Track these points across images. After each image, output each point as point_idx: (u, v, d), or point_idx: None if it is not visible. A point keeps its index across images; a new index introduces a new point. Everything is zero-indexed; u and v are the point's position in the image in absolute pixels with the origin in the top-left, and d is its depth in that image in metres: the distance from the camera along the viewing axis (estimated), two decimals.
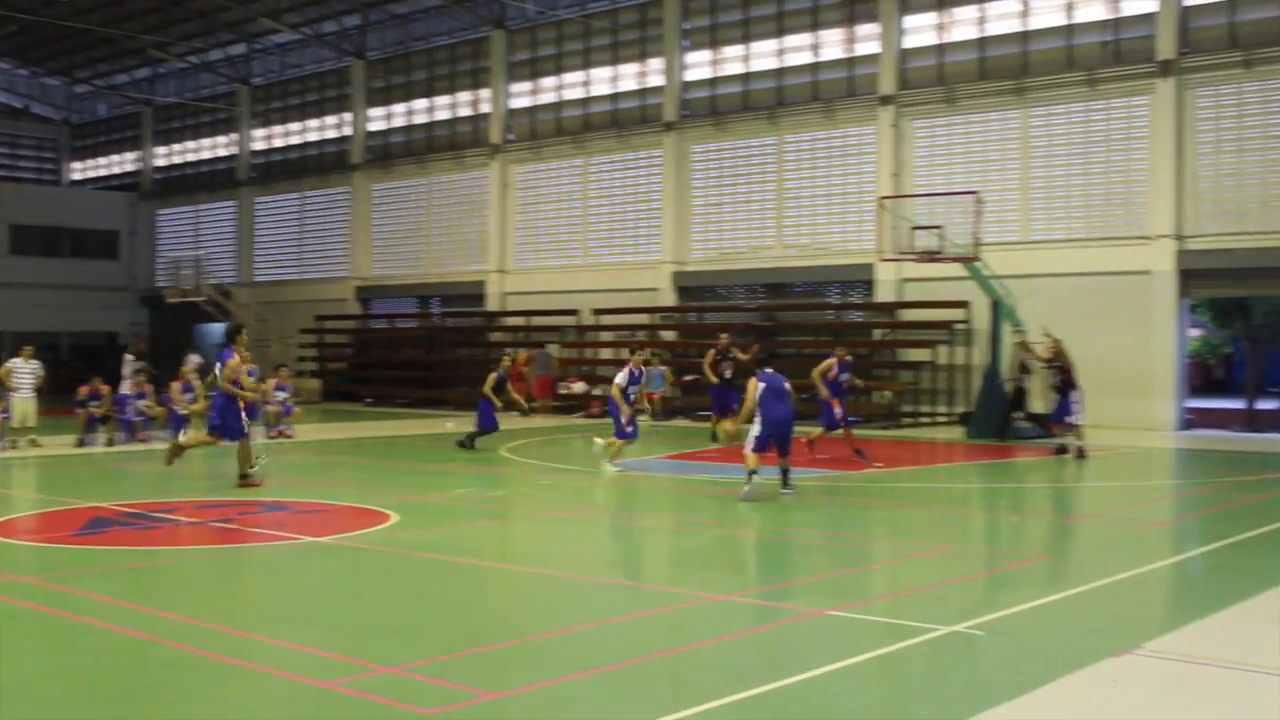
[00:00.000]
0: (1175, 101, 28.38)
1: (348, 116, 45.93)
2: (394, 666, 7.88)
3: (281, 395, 26.13)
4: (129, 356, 27.55)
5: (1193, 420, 29.73)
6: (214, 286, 45.76)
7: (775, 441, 16.24)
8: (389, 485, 18.07)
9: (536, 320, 38.74)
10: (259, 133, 49.96)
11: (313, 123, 47.87)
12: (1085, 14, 30.09)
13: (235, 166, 50.51)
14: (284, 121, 48.98)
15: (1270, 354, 38.41)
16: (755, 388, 16.30)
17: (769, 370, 16.57)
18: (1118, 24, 29.61)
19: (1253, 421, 30.79)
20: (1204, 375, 45.06)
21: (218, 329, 50.11)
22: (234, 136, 50.74)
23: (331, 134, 47.07)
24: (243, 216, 50.07)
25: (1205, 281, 29.13)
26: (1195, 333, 37.99)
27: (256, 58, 49.54)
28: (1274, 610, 9.78)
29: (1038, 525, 15.51)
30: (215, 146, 52.27)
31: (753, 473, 16.07)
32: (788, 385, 16.45)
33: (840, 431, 21.25)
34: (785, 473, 16.47)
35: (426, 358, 41.66)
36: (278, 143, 49.29)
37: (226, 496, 16.32)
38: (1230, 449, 25.07)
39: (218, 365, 17.43)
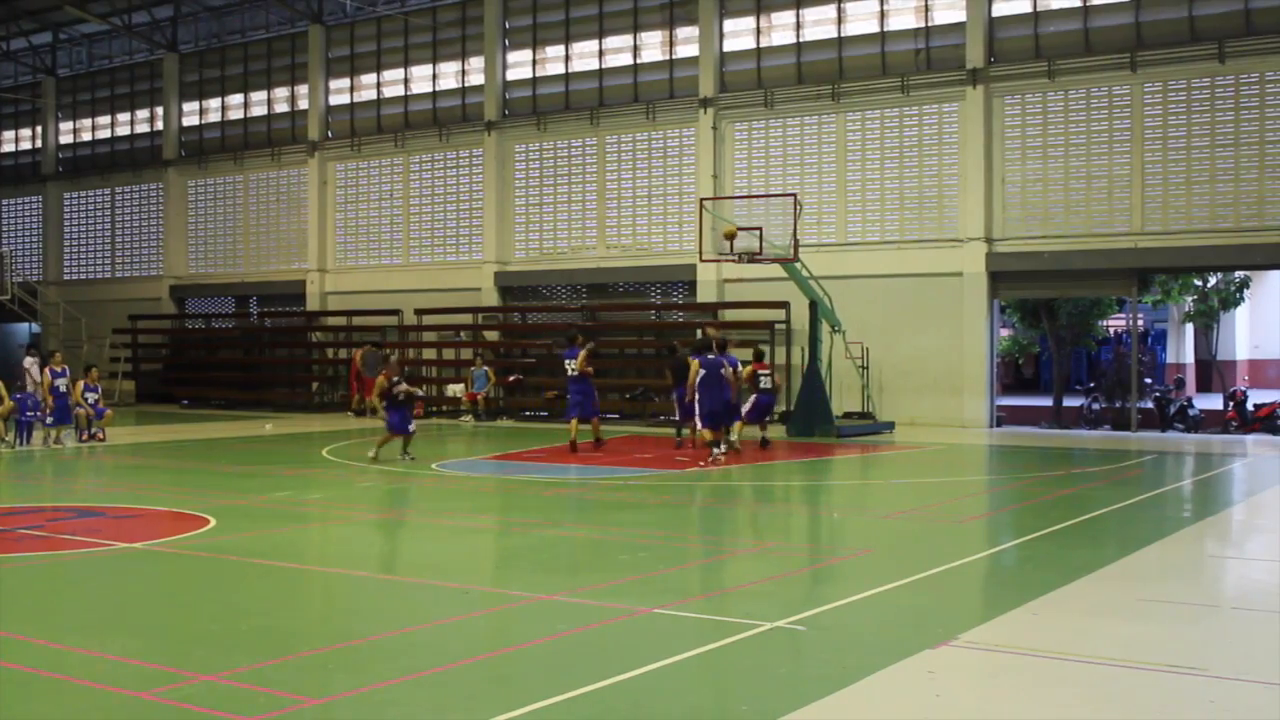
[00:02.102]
0: (984, 108, 29.27)
1: (160, 111, 44.68)
2: (214, 674, 7.71)
3: (92, 397, 25.33)
4: None
5: (1004, 417, 30.72)
6: (19, 284, 44.13)
7: (719, 418, 20.59)
8: (206, 489, 17.61)
9: (358, 320, 38.22)
10: (66, 126, 48.31)
11: (123, 116, 46.42)
12: (898, 22, 30.81)
13: (41, 160, 48.71)
14: (93, 115, 47.42)
15: (1075, 353, 39.86)
16: (696, 371, 20.20)
17: (710, 356, 20.30)
18: (929, 32, 30.39)
19: (1059, 418, 31.96)
20: (1014, 374, 46.44)
21: (22, 329, 48.49)
22: (39, 129, 48.94)
23: (143, 128, 45.72)
24: (49, 212, 48.31)
25: (1014, 283, 30.06)
26: (1005, 333, 39.18)
27: (63, 48, 47.88)
28: (1083, 600, 10.15)
29: (858, 521, 15.82)
30: (19, 139, 50.33)
31: (714, 443, 20.49)
32: (724, 372, 20.43)
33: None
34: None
35: (244, 358, 40.82)
36: (86, 136, 47.69)
37: (36, 502, 15.77)
38: (1039, 445, 25.92)
39: (569, 360, 22.82)
